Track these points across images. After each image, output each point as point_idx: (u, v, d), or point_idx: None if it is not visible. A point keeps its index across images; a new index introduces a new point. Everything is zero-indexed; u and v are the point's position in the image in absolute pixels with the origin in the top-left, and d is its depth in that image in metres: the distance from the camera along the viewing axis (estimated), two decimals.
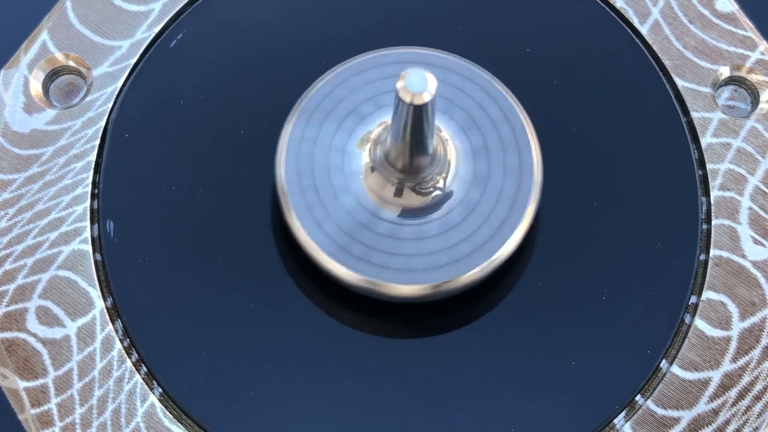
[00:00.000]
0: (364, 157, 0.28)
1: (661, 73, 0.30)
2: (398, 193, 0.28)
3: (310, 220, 0.27)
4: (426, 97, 0.25)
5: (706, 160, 0.29)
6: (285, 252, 0.29)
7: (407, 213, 0.28)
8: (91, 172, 0.29)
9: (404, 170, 0.27)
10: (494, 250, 0.27)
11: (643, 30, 0.31)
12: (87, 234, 0.29)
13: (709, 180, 0.29)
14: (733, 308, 0.28)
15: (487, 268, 0.27)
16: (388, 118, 0.28)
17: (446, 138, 0.28)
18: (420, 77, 0.24)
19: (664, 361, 0.28)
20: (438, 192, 0.28)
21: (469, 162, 0.28)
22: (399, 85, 0.25)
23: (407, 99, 0.25)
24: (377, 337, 0.28)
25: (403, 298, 0.27)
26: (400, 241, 0.27)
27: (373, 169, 0.28)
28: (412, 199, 0.28)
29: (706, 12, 0.31)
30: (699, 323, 0.28)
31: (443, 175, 0.28)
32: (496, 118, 0.28)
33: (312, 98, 0.28)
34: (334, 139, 0.28)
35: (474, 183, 0.28)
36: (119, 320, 0.28)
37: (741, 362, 0.28)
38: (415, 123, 0.25)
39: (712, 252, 0.29)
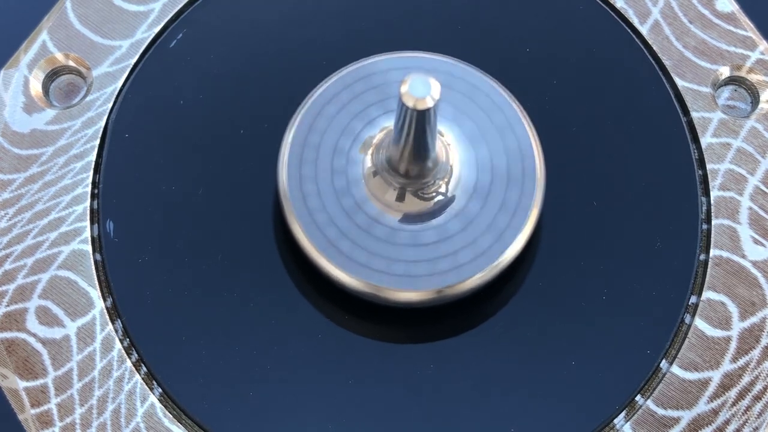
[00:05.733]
0: (367, 162, 0.28)
1: (661, 73, 0.30)
2: (400, 198, 0.27)
3: (312, 224, 0.27)
4: (429, 102, 0.25)
5: (706, 160, 0.29)
6: (285, 253, 0.29)
7: (409, 218, 0.27)
8: (91, 172, 0.29)
9: (406, 175, 0.27)
10: (496, 256, 0.27)
11: (643, 30, 0.31)
12: (87, 234, 0.29)
13: (709, 180, 0.29)
14: (733, 308, 0.28)
15: (489, 274, 0.27)
16: (392, 122, 0.28)
17: (448, 143, 0.28)
18: (423, 82, 0.24)
19: (664, 361, 0.28)
20: (440, 197, 0.28)
21: (472, 166, 0.28)
22: (402, 89, 0.24)
23: (410, 104, 0.25)
24: (377, 339, 0.28)
25: (404, 304, 0.27)
26: (401, 246, 0.27)
27: (375, 173, 0.28)
28: (414, 205, 0.28)
29: (706, 12, 0.31)
30: (699, 323, 0.28)
31: (445, 180, 0.28)
32: (502, 126, 0.28)
33: (317, 100, 0.28)
34: (337, 143, 0.28)
35: (476, 187, 0.28)
36: (119, 320, 0.28)
37: (741, 362, 0.28)
38: (418, 128, 0.25)
39: (712, 252, 0.29)
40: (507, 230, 0.27)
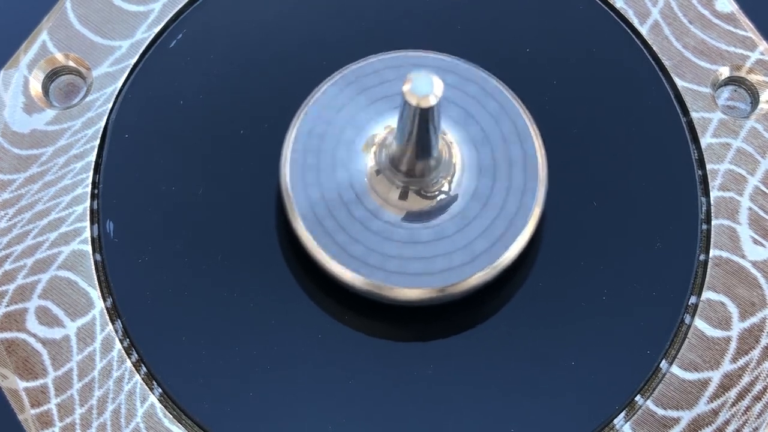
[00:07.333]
0: (369, 160, 0.28)
1: (661, 73, 0.30)
2: (403, 196, 0.27)
3: (314, 222, 0.27)
4: (432, 101, 0.25)
5: (705, 160, 0.29)
6: (285, 252, 0.29)
7: (411, 216, 0.27)
8: (91, 173, 0.29)
9: (409, 173, 0.27)
10: (497, 256, 0.27)
11: (643, 30, 0.31)
12: (87, 234, 0.29)
13: (709, 180, 0.29)
14: (733, 308, 0.28)
15: (489, 273, 0.27)
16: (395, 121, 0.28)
17: (451, 141, 0.28)
18: (426, 80, 0.24)
19: (664, 361, 0.28)
20: (443, 196, 0.28)
21: (474, 164, 0.28)
22: (405, 88, 0.24)
23: (413, 102, 0.25)
24: (377, 338, 0.28)
25: (405, 302, 0.27)
26: (403, 245, 0.27)
27: (378, 172, 0.28)
28: (416, 203, 0.28)
29: (705, 12, 0.31)
30: (699, 323, 0.28)
31: (448, 178, 0.28)
32: (509, 133, 0.28)
33: (320, 98, 0.28)
34: (341, 138, 0.28)
35: (477, 189, 0.28)
36: (119, 320, 0.28)
37: (741, 362, 0.28)
38: (421, 126, 0.25)
39: (712, 252, 0.29)
40: (508, 230, 0.27)
